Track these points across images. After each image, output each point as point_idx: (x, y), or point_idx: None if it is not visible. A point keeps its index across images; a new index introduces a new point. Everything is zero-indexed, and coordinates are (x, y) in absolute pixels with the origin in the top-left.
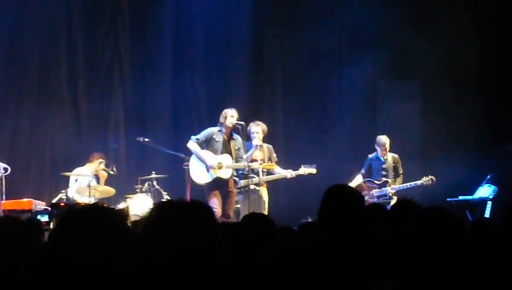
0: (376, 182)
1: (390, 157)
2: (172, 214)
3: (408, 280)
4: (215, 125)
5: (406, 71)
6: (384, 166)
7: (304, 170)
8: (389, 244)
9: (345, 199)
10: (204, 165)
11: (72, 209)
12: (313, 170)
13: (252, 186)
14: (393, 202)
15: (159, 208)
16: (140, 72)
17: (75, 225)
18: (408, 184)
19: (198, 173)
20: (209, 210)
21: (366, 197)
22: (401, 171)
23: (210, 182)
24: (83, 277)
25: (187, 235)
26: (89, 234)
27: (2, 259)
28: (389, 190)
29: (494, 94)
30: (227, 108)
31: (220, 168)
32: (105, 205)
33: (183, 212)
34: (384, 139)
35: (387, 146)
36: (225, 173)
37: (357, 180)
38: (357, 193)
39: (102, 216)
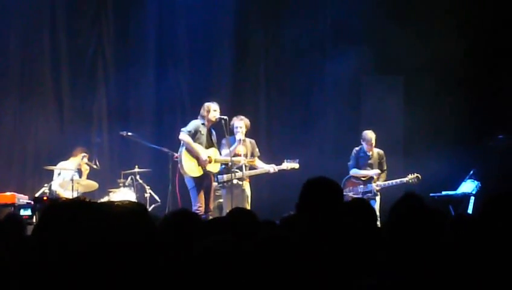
0: (361, 178)
1: (376, 153)
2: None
3: (390, 276)
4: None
5: (389, 66)
6: (370, 161)
7: (287, 165)
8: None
9: (323, 191)
10: (195, 158)
11: (55, 203)
12: (296, 165)
13: (235, 181)
14: (378, 198)
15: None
16: (124, 66)
17: (58, 218)
18: (393, 181)
19: (191, 166)
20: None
21: (351, 193)
22: (385, 167)
23: (200, 176)
24: (66, 269)
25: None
26: (71, 228)
27: None
28: (374, 186)
29: (477, 89)
30: (208, 102)
31: (210, 162)
32: (87, 199)
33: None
34: (370, 134)
35: (373, 141)
36: (214, 167)
37: (361, 171)
38: (335, 184)
39: (85, 210)
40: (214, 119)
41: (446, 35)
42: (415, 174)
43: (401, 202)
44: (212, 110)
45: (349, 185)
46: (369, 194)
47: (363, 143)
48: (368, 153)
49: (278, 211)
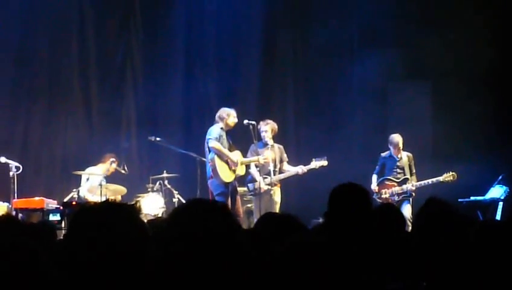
0: (395, 179)
1: (405, 156)
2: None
3: (415, 281)
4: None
5: (418, 70)
6: (399, 164)
7: (316, 164)
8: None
9: (351, 198)
10: (226, 164)
11: (85, 206)
12: (324, 162)
13: (265, 187)
14: (410, 199)
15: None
16: (152, 71)
17: (89, 221)
18: (430, 180)
19: (225, 172)
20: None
21: (387, 195)
22: (414, 170)
23: (231, 181)
24: (98, 273)
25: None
26: (103, 230)
27: (27, 257)
28: (410, 187)
29: (506, 94)
30: (226, 107)
31: (237, 164)
32: (117, 201)
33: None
34: (397, 138)
35: (401, 145)
36: (242, 170)
37: (375, 182)
38: (363, 190)
39: (116, 211)
40: (232, 125)
41: (475, 40)
42: (451, 173)
43: (423, 209)
44: (233, 116)
45: (384, 187)
46: (405, 195)
47: (390, 147)
48: (395, 157)
49: (307, 216)
